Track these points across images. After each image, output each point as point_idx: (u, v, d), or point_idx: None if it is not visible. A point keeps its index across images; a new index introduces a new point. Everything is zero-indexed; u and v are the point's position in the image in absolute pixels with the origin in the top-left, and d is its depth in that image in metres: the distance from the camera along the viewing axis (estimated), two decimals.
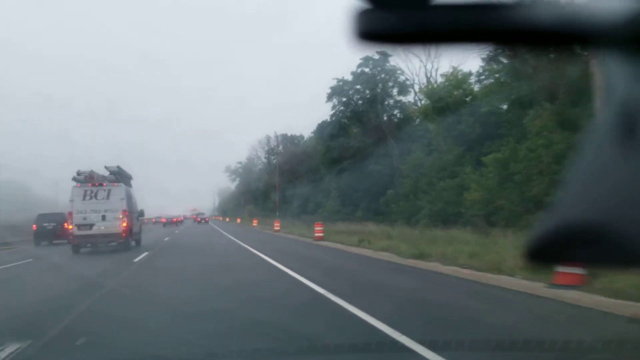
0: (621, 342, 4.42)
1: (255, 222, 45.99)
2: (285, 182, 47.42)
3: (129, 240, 18.17)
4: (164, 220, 65.19)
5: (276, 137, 65.57)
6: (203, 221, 68.50)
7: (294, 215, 41.15)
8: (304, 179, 43.60)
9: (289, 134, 64.72)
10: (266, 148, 71.17)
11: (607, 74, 0.57)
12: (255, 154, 73.13)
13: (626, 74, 0.54)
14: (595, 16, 0.52)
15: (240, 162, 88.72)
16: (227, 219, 71.12)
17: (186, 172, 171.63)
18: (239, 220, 62.69)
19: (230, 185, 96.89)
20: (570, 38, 0.54)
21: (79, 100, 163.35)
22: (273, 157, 66.59)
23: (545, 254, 0.60)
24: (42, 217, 24.98)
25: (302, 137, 62.27)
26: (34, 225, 24.73)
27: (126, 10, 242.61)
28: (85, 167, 18.32)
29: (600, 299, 6.01)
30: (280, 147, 64.64)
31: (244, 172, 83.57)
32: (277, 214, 40.03)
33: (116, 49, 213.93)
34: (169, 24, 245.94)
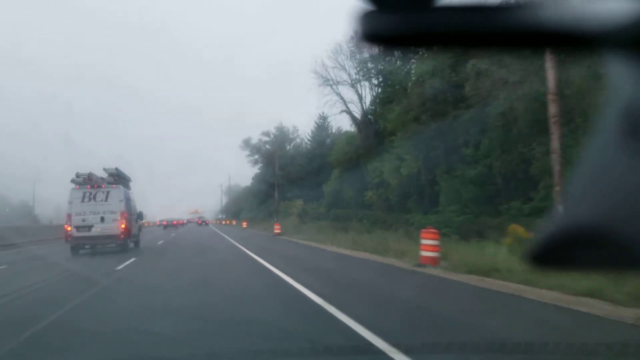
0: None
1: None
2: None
3: (127, 241, 18.25)
4: (165, 222, 65.98)
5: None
6: (204, 224, 75.16)
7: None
8: None
9: None
10: (358, 57, 30.97)
11: (612, 75, 0.56)
12: (325, 76, 33.14)
13: (631, 76, 0.54)
14: (600, 17, 0.52)
15: (266, 133, 56.79)
16: (243, 225, 46.66)
17: (192, 172, 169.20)
18: (277, 228, 29.69)
19: (250, 170, 66.99)
20: (575, 40, 0.54)
21: (81, 102, 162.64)
22: (377, 82, 30.53)
23: (549, 257, 0.59)
24: None
25: None
26: None
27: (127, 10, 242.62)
28: (95, 170, 18.55)
29: None
30: (379, 66, 29.47)
31: (276, 146, 51.87)
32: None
33: (120, 48, 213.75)
34: (177, 23, 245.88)
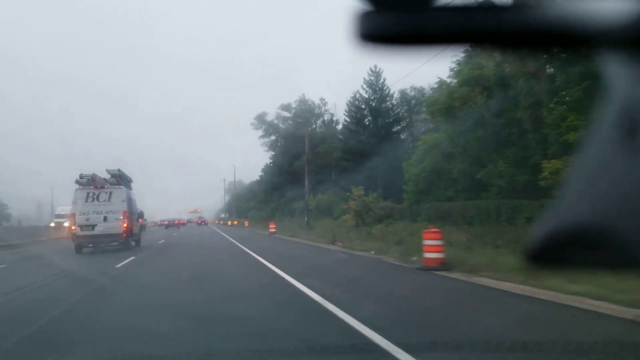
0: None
1: None
2: None
3: (129, 240, 18.71)
4: (167, 222, 66.46)
5: None
6: (203, 223, 76.66)
7: None
8: None
9: None
10: None
11: (609, 74, 0.57)
12: None
13: (628, 75, 0.54)
14: (598, 17, 0.52)
15: (286, 107, 43.15)
16: (271, 228, 30.12)
17: (191, 172, 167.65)
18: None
19: (259, 160, 53.50)
20: (573, 39, 0.54)
21: (78, 102, 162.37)
22: None
23: (545, 256, 0.59)
24: None
25: None
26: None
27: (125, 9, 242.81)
28: (97, 170, 19.24)
29: None
30: None
31: (303, 120, 38.77)
32: None
33: (116, 47, 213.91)
34: (170, 22, 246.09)
